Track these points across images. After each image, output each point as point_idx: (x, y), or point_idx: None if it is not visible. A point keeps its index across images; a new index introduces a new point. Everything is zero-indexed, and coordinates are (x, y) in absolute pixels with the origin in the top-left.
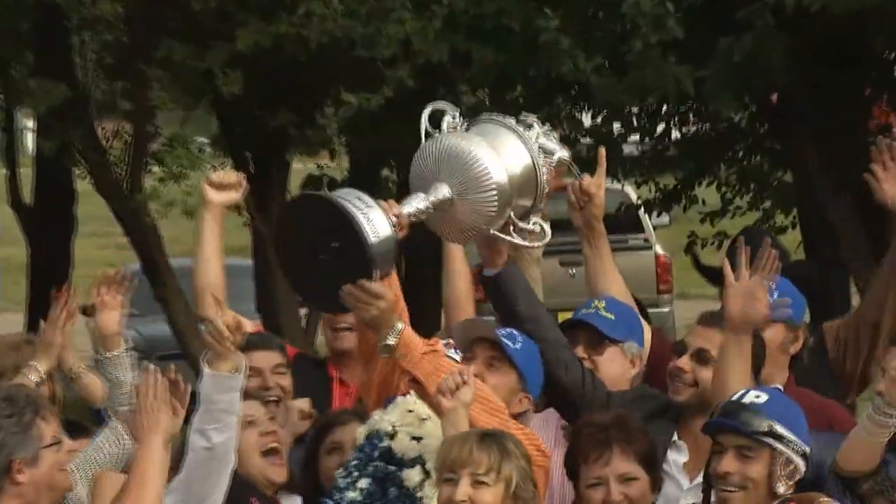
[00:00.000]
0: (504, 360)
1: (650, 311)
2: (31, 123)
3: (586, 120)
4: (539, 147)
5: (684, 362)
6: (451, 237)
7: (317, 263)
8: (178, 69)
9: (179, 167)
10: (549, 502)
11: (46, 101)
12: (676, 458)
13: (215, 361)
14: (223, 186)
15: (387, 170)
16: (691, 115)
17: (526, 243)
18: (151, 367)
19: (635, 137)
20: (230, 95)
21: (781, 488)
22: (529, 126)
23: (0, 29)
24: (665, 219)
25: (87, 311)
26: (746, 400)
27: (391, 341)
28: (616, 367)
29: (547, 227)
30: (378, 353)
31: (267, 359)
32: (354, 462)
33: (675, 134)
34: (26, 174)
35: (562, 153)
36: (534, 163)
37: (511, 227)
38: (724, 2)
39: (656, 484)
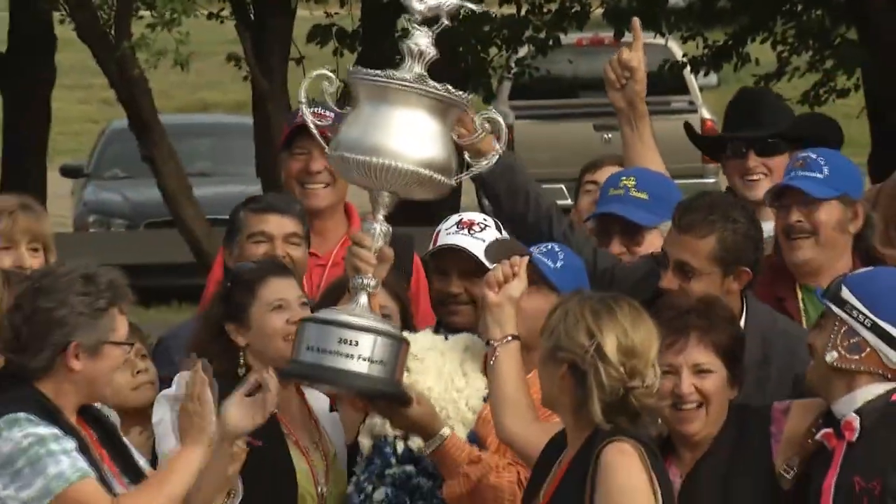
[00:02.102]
0: (542, 282)
1: (694, 182)
2: None
3: None
4: (419, 59)
5: (669, 281)
6: (429, 198)
7: None
8: None
9: (172, 12)
10: None
11: None
12: None
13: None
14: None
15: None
16: None
17: (486, 161)
18: (199, 365)
19: None
20: None
21: (829, 356)
22: (407, 50)
23: None
24: (713, 79)
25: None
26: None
27: (431, 448)
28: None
29: (497, 117)
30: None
31: (280, 225)
32: (365, 476)
33: None
34: (0, 18)
35: (428, 48)
36: (437, 97)
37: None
38: None
39: (736, 380)
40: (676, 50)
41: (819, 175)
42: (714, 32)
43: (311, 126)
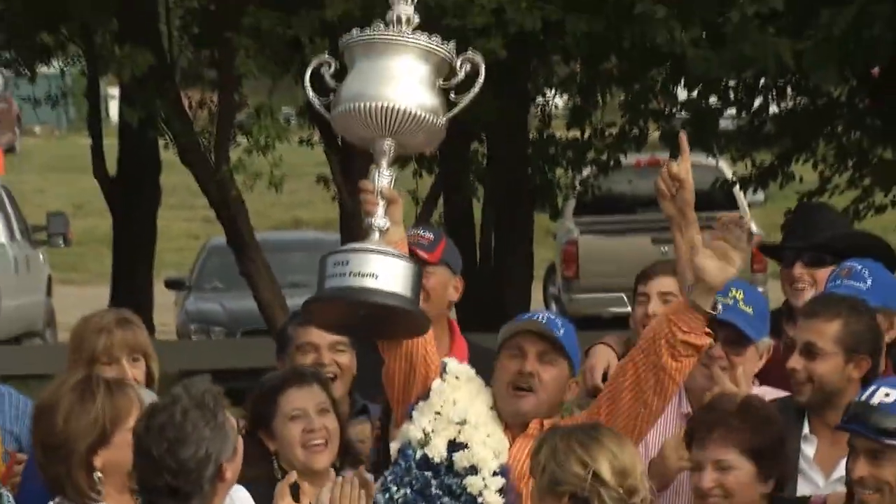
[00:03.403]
0: (556, 351)
1: None
2: (115, 92)
3: (682, 93)
4: (406, 24)
5: (795, 361)
6: (423, 149)
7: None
8: (264, 37)
9: (266, 138)
10: (678, 492)
11: (131, 69)
12: (807, 452)
13: None
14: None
15: (476, 143)
16: (789, 89)
17: (470, 95)
18: (353, 475)
19: (731, 111)
20: None
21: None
22: (398, 21)
23: None
24: (760, 196)
25: (170, 283)
26: (875, 400)
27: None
28: (750, 367)
29: (477, 56)
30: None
31: (323, 335)
32: (391, 477)
33: (773, 108)
34: (110, 144)
35: (412, 15)
36: (424, 48)
37: (451, 98)
38: None
39: (770, 475)
40: (727, 169)
41: (862, 286)
42: (761, 153)
43: (317, 105)
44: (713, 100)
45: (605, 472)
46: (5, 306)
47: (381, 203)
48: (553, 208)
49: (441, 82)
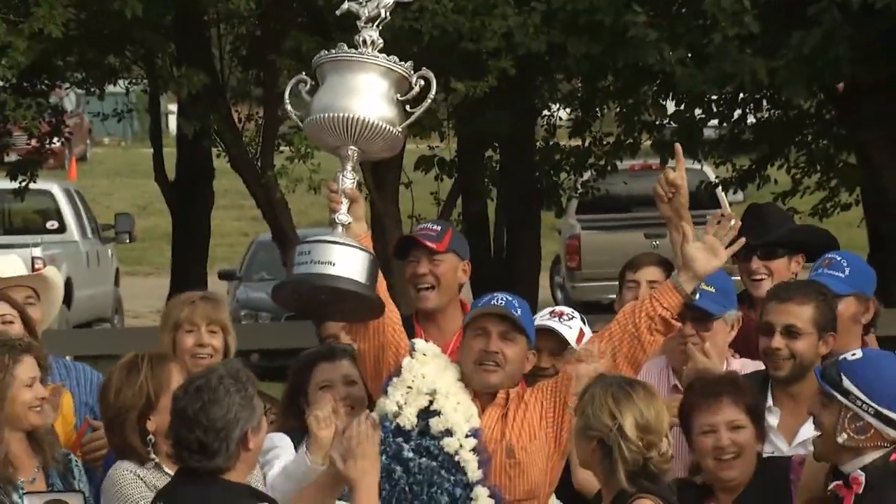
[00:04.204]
0: (516, 330)
1: None
2: (173, 107)
3: (670, 106)
4: (372, 45)
5: (777, 342)
6: (382, 157)
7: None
8: (304, 59)
9: (306, 148)
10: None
11: (187, 88)
12: (771, 421)
13: (313, 448)
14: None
15: (490, 151)
16: (764, 102)
17: (423, 106)
18: (364, 417)
19: (714, 122)
20: None
21: (840, 438)
22: (364, 43)
23: (147, 23)
24: (740, 196)
25: (222, 275)
26: (845, 355)
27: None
28: (722, 338)
29: (429, 74)
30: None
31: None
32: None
33: (750, 119)
34: (169, 153)
35: (377, 38)
36: (383, 67)
37: (406, 109)
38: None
39: (761, 436)
40: (710, 173)
41: (841, 274)
42: (740, 159)
43: (293, 117)
44: (698, 112)
45: (629, 426)
46: (79, 296)
47: (345, 202)
48: (558, 207)
49: (399, 96)
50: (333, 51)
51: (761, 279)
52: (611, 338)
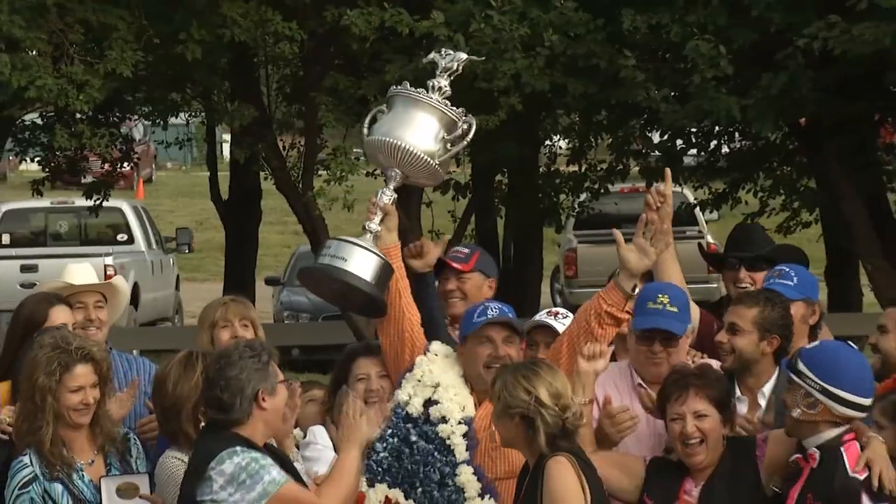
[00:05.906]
0: (514, 333)
1: (701, 287)
2: (227, 137)
3: (655, 137)
4: (439, 91)
5: (721, 336)
6: (424, 184)
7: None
8: (340, 96)
9: (341, 172)
10: (640, 439)
11: (239, 120)
12: (741, 409)
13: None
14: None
15: (500, 175)
16: (737, 135)
17: (461, 144)
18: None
19: (693, 151)
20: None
21: (795, 413)
22: (434, 88)
23: (205, 65)
24: (715, 215)
25: (268, 281)
26: (806, 346)
27: None
28: (683, 350)
29: (471, 119)
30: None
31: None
32: (388, 431)
33: (725, 149)
34: (223, 176)
35: (445, 86)
36: (441, 111)
37: (447, 146)
38: (764, 46)
39: (727, 421)
40: (689, 195)
41: (791, 283)
42: (715, 183)
43: (366, 136)
44: (679, 142)
45: (544, 396)
46: (144, 298)
47: (379, 214)
48: (558, 224)
49: (445, 135)
50: (408, 88)
51: (746, 287)
52: (570, 335)
